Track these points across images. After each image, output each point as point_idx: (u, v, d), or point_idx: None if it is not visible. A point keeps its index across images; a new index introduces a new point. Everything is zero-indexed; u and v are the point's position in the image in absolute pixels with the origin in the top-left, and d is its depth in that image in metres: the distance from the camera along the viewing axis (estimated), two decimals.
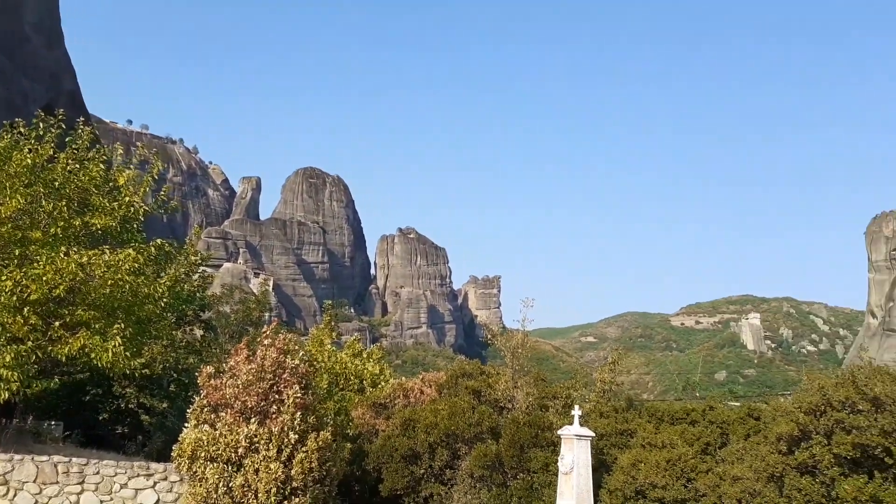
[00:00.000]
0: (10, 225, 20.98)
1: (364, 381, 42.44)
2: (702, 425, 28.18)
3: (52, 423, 28.89)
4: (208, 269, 37.74)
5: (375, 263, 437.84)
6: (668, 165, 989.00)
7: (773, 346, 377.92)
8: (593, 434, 24.71)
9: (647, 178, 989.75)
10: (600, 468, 25.15)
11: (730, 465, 23.04)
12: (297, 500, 20.20)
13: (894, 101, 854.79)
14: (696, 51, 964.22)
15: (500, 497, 26.53)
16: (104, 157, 24.06)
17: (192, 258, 32.28)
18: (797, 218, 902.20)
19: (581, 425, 24.28)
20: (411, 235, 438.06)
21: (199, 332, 38.48)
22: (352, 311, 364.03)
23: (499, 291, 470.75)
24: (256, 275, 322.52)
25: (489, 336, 37.60)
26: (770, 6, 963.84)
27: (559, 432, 24.64)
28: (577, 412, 24.58)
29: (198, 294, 34.75)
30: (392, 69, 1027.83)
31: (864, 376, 21.39)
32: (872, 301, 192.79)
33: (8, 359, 19.44)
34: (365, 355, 45.26)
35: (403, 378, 41.38)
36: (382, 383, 41.22)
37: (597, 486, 23.67)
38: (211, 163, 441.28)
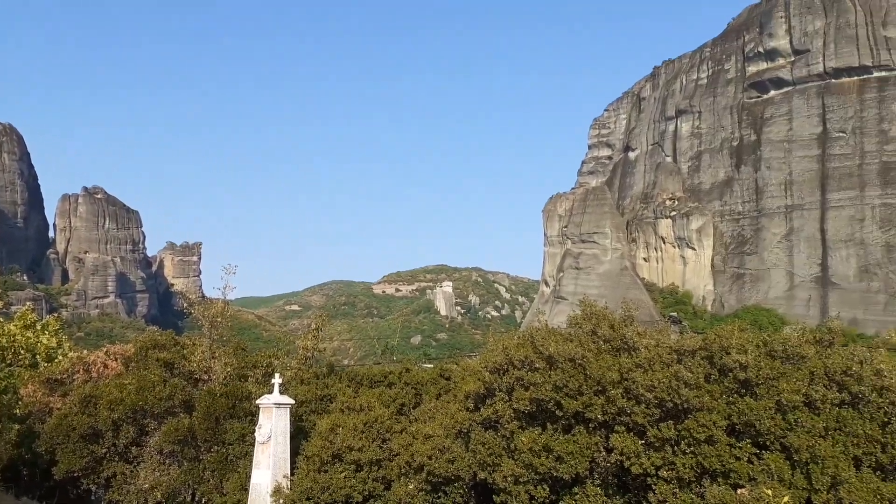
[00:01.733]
0: None
1: (38, 356, 38.05)
2: (398, 387, 29.10)
3: None
4: None
5: (55, 226, 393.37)
6: (382, 144, 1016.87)
7: (462, 311, 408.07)
8: (293, 401, 24.31)
9: (357, 153, 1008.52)
10: (299, 435, 24.88)
11: (422, 423, 23.91)
12: None
13: (567, 93, 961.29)
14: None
15: (191, 472, 25.16)
16: None
17: None
18: (487, 196, 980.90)
19: (281, 393, 23.76)
20: (98, 196, 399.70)
21: None
22: (24, 278, 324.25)
23: (199, 259, 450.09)
24: None
25: (186, 305, 35.62)
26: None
27: (258, 402, 23.91)
28: (277, 380, 24.03)
29: None
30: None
31: (540, 337, 23.30)
32: (547, 271, 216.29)
33: None
34: (39, 327, 40.52)
35: (85, 352, 37.68)
36: (60, 357, 37.27)
37: (295, 453, 23.37)
38: None
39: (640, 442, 19.20)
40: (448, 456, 21.60)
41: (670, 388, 18.73)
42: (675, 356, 20.81)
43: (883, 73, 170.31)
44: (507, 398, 22.61)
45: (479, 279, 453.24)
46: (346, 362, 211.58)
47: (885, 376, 18.70)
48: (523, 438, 20.78)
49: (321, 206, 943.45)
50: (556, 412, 20.96)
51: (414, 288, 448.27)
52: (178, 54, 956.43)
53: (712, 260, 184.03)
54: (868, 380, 18.80)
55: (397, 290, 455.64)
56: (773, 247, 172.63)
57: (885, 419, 17.93)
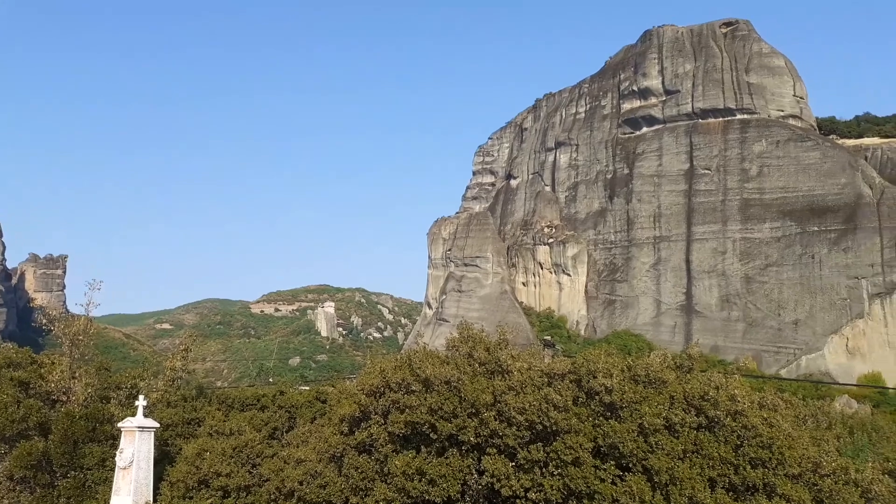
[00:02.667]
0: None
1: None
2: (271, 410, 28.42)
3: None
4: None
5: None
6: (265, 159, 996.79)
7: (344, 332, 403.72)
8: (158, 425, 23.32)
9: (237, 168, 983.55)
10: (164, 460, 23.86)
11: (295, 448, 23.46)
12: None
13: (454, 119, 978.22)
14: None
15: (45, 499, 23.62)
16: None
17: None
18: (372, 217, 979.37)
19: (146, 416, 22.76)
20: None
21: None
22: None
23: (64, 273, 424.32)
24: None
25: (45, 321, 33.62)
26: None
27: (120, 424, 22.80)
28: (141, 402, 23.00)
29: None
30: None
31: (418, 360, 23.42)
32: (430, 294, 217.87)
33: None
34: None
35: None
36: None
37: (159, 479, 22.38)
38: None
39: (510, 464, 19.61)
40: (320, 481, 21.29)
41: (540, 410, 19.27)
42: (546, 379, 21.46)
43: (745, 116, 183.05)
44: (382, 421, 22.55)
45: (363, 300, 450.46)
46: (219, 384, 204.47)
47: (739, 401, 19.94)
48: (397, 462, 20.78)
49: (198, 222, 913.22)
50: (431, 435, 21.10)
51: (294, 308, 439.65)
52: (51, 61, 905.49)
53: (586, 286, 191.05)
54: (723, 404, 19.99)
55: (276, 309, 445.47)
56: (643, 275, 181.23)
57: (738, 442, 19.07)
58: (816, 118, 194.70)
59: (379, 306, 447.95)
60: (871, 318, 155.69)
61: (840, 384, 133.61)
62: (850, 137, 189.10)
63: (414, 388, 22.02)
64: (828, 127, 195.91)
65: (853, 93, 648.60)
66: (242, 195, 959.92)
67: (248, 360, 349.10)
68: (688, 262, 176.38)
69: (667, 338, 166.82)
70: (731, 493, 18.29)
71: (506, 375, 21.71)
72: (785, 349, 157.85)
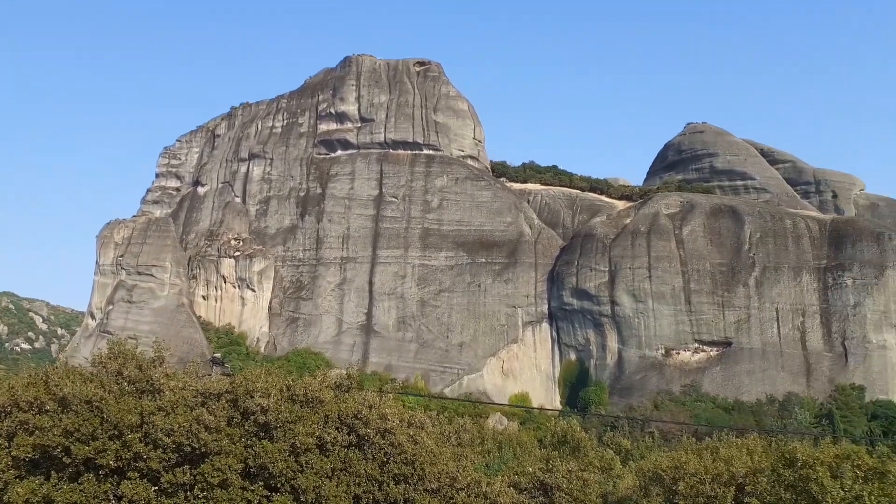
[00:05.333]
0: None
1: None
2: None
3: None
4: None
5: None
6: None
7: None
8: None
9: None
10: None
11: None
12: None
13: (137, 119, 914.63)
14: None
15: None
16: None
17: None
18: (29, 214, 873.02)
19: None
20: None
21: None
22: None
23: None
24: None
25: None
26: None
27: None
28: None
29: None
30: None
31: (56, 376, 21.22)
32: (95, 303, 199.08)
33: None
34: None
35: None
36: None
37: None
38: None
39: (152, 488, 18.45)
40: None
41: (190, 431, 18.44)
42: (201, 399, 20.65)
43: (430, 152, 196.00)
44: (6, 444, 20.10)
45: (11, 305, 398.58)
46: None
47: (389, 419, 21.00)
48: (19, 490, 18.61)
49: None
50: (64, 459, 19.22)
51: None
52: None
53: (270, 303, 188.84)
54: (374, 423, 20.91)
55: None
56: (327, 294, 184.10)
57: (385, 459, 20.03)
58: (491, 161, 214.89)
59: (31, 314, 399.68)
60: (524, 343, 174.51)
61: (494, 403, 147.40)
62: (517, 182, 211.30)
63: (48, 407, 19.91)
64: (499, 170, 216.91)
65: (522, 142, 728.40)
66: None
67: None
68: (371, 283, 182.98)
69: (346, 356, 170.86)
70: None
71: (157, 395, 20.49)
72: (450, 369, 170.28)
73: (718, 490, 26.95)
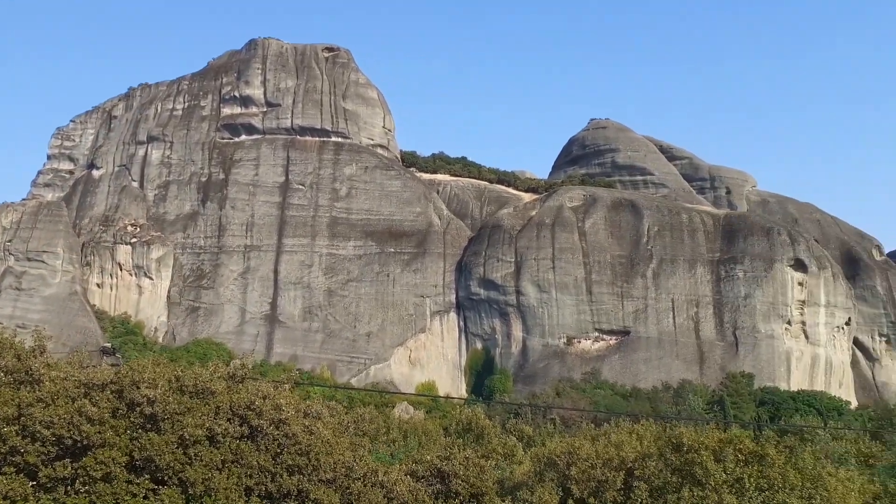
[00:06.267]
0: None
1: None
2: None
3: None
4: None
5: None
6: None
7: None
8: None
9: None
10: None
11: None
12: None
13: (28, 97, 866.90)
14: None
15: None
16: None
17: None
18: None
19: None
20: None
21: None
22: None
23: None
24: None
25: None
26: None
27: None
28: None
29: None
30: None
31: None
32: None
33: None
34: None
35: None
36: None
37: None
38: None
39: (29, 483, 17.59)
40: None
41: (71, 424, 17.65)
42: (84, 390, 19.77)
43: (339, 139, 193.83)
44: None
45: None
46: None
47: (283, 410, 20.67)
48: None
49: None
50: None
51: None
52: None
53: (169, 291, 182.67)
54: (268, 414, 20.54)
55: None
56: (230, 283, 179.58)
57: (278, 450, 19.71)
58: (401, 151, 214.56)
59: None
60: (431, 333, 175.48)
61: (401, 393, 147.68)
62: (427, 172, 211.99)
63: None
64: (409, 160, 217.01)
65: (432, 133, 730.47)
66: None
67: None
68: (276, 272, 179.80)
69: (249, 347, 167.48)
70: (266, 501, 18.81)
71: (36, 386, 19.49)
72: (357, 359, 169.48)
73: (609, 474, 27.88)
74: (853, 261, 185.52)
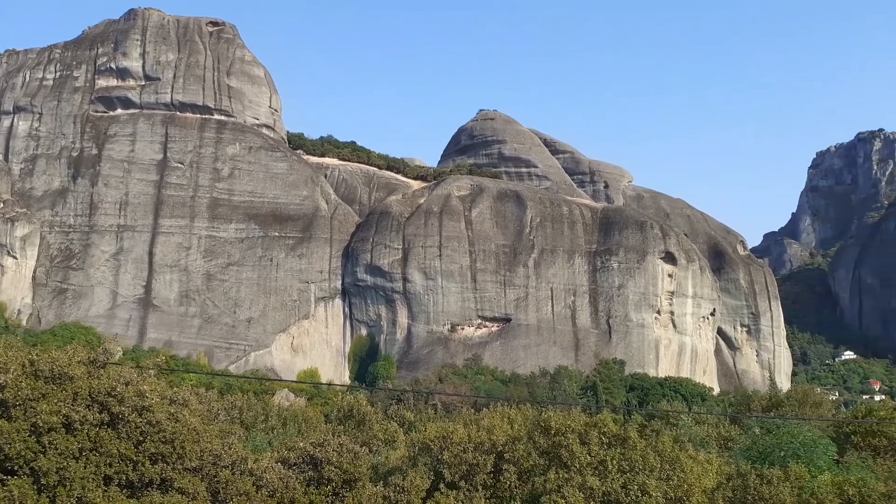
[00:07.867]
0: None
1: None
2: None
3: None
4: None
5: None
6: None
7: None
8: None
9: None
10: None
11: None
12: None
13: None
14: None
15: None
16: None
17: None
18: None
19: None
20: None
21: None
22: None
23: None
24: None
25: None
26: None
27: None
28: None
29: None
30: None
31: None
32: None
33: None
34: None
35: None
36: None
37: None
38: None
39: None
40: None
41: None
42: None
43: (222, 118, 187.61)
44: None
45: None
46: None
47: (147, 397, 19.96)
48: None
49: None
50: None
51: None
52: None
53: (35, 272, 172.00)
54: (130, 400, 19.78)
55: None
56: (101, 265, 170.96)
57: (141, 438, 19.05)
58: (287, 132, 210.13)
59: None
60: (315, 319, 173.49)
61: (281, 380, 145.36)
62: (315, 155, 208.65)
63: None
64: (296, 142, 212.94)
65: (320, 115, 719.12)
66: None
67: None
68: (151, 254, 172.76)
69: (121, 331, 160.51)
70: (126, 490, 18.16)
71: None
72: (237, 345, 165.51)
73: (480, 458, 28.62)
74: (719, 255, 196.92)
